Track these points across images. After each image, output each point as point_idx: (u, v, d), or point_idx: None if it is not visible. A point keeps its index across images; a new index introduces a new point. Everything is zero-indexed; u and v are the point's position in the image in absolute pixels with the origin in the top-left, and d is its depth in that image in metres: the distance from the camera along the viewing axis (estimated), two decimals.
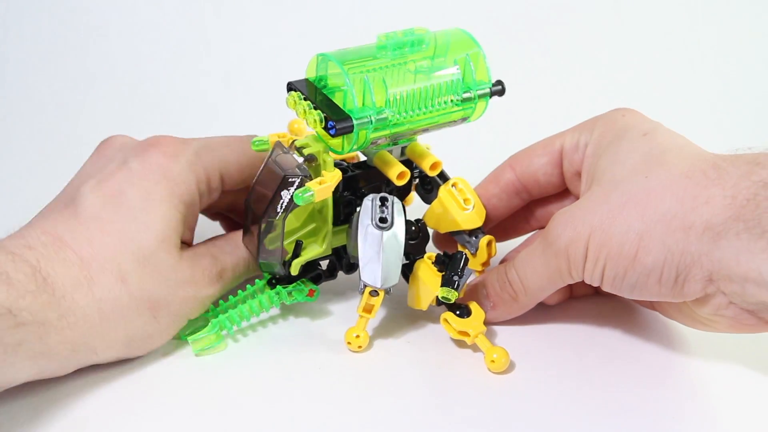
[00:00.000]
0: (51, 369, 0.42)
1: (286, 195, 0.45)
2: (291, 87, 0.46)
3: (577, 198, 0.49)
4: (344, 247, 0.50)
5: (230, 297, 0.49)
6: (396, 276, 0.46)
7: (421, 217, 0.51)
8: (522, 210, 0.53)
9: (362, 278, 0.46)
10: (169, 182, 0.46)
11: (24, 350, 0.39)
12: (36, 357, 0.40)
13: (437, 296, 0.46)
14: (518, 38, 0.84)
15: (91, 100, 0.79)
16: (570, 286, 0.49)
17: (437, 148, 0.52)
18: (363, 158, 0.50)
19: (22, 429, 0.41)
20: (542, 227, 0.46)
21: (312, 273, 0.50)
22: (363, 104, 0.44)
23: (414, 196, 0.54)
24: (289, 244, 0.48)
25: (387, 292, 0.46)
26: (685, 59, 0.86)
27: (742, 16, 0.88)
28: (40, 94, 0.78)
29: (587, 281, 0.44)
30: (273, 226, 0.46)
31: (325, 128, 0.43)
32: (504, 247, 0.53)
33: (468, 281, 0.47)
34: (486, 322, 0.49)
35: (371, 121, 0.44)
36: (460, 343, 0.48)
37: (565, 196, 0.51)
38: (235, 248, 0.49)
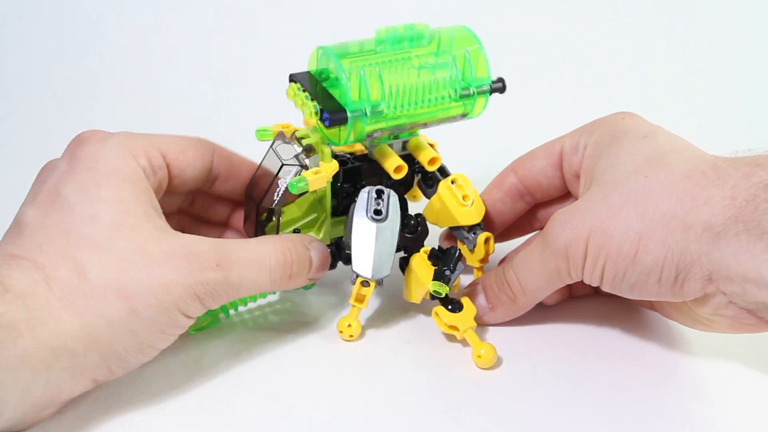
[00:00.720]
0: (40, 385, 0.38)
1: (282, 183, 0.46)
2: (292, 78, 0.47)
3: (577, 199, 0.48)
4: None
5: None
6: (388, 268, 0.47)
7: (421, 212, 0.51)
8: (525, 212, 0.53)
9: (354, 268, 0.46)
10: (103, 165, 0.43)
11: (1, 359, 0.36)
12: (17, 368, 0.37)
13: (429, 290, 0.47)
14: (523, 41, 0.85)
15: (90, 98, 0.79)
16: (569, 286, 0.49)
17: (441, 147, 0.52)
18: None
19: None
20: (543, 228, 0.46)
21: None
22: (359, 97, 0.45)
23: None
24: (288, 233, 0.49)
25: (378, 283, 0.47)
26: (685, 63, 0.85)
27: (742, 19, 0.87)
28: (39, 93, 0.78)
29: (587, 281, 0.44)
30: (272, 213, 0.47)
31: (321, 119, 0.44)
32: (505, 248, 0.53)
33: (470, 280, 0.47)
34: (485, 324, 0.49)
35: (366, 114, 0.44)
36: (452, 338, 0.48)
37: (568, 198, 0.51)
38: (249, 244, 0.44)
